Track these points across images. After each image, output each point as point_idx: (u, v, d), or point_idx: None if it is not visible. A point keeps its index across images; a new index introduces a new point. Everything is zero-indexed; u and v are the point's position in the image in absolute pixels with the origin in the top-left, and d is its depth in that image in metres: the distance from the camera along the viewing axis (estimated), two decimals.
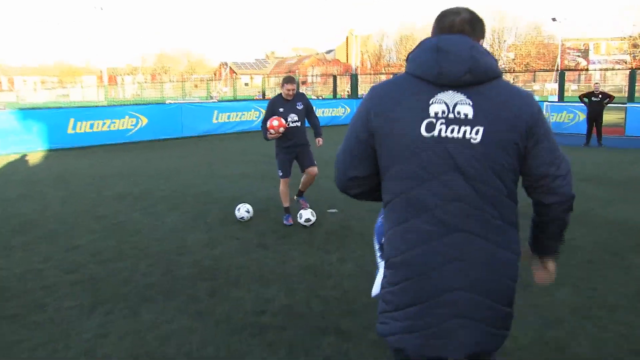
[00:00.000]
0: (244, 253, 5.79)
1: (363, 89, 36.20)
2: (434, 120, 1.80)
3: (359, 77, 33.13)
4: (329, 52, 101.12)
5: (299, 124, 6.88)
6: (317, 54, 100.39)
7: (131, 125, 17.68)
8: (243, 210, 7.07)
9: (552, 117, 20.85)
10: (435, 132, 1.79)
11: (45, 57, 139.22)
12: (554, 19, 56.82)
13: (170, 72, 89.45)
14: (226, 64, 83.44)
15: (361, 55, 70.36)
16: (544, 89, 55.44)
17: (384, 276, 1.93)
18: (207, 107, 20.92)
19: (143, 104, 20.90)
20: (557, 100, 22.81)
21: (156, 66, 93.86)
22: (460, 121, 1.79)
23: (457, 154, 1.79)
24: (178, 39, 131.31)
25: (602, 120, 16.55)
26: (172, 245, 6.08)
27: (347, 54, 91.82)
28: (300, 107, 6.91)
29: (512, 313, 1.91)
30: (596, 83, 18.43)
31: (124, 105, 22.86)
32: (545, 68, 62.13)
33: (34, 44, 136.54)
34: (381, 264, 2.53)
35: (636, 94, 22.99)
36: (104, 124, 16.97)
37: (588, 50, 70.16)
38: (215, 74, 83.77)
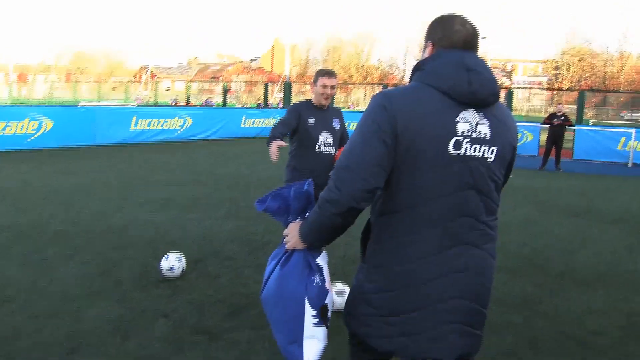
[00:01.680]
0: (178, 350, 3.72)
1: (296, 99, 34.45)
2: (461, 139, 1.84)
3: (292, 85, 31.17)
4: (253, 60, 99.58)
5: (332, 150, 4.65)
6: (242, 61, 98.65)
7: (32, 129, 15.07)
8: (173, 259, 5.00)
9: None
10: (462, 150, 1.84)
11: None
12: (484, 37, 57.16)
13: (87, 73, 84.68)
14: (147, 67, 79.76)
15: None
16: None
17: (371, 280, 1.93)
18: (125, 111, 18.38)
19: (49, 105, 18.13)
20: None
21: (72, 65, 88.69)
22: (481, 140, 1.87)
23: (476, 172, 1.88)
24: (97, 38, 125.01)
25: (562, 143, 15.52)
26: (60, 332, 3.92)
27: (272, 62, 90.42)
28: (337, 126, 4.71)
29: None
30: (559, 103, 17.47)
31: (26, 105, 19.83)
32: None
33: None
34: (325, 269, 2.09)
35: (533, 115, 22.45)
36: None
37: (514, 70, 71.78)
38: (135, 77, 79.97)
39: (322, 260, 2.07)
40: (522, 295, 5.00)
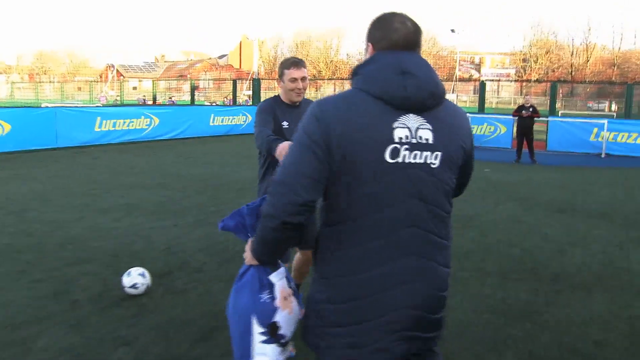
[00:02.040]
0: None
1: (265, 96, 33.85)
2: (399, 146, 1.78)
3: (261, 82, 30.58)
4: (221, 57, 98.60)
5: None
6: (210, 58, 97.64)
7: None
8: (135, 275, 4.51)
9: (472, 130, 19.53)
10: (400, 158, 1.78)
11: None
12: (452, 30, 57.30)
13: (51, 73, 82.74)
14: (113, 65, 78.15)
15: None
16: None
17: (319, 291, 1.89)
18: (88, 112, 17.62)
19: (6, 107, 17.31)
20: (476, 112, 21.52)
21: (34, 65, 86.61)
22: (422, 146, 1.80)
23: (419, 180, 1.81)
24: (60, 37, 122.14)
25: (532, 135, 15.29)
26: None
27: (240, 59, 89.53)
28: None
29: (444, 316, 1.97)
30: (527, 95, 17.26)
31: None
32: (443, 79, 62.78)
33: None
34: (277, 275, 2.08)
35: (491, 106, 22.41)
36: None
37: (481, 63, 72.16)
38: (101, 77, 78.34)
39: (276, 276, 2.06)
40: (517, 303, 4.63)
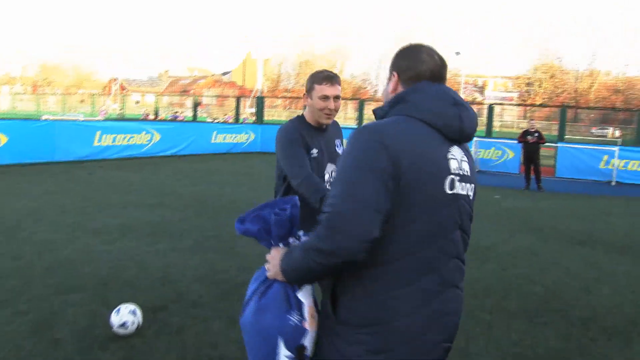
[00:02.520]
0: None
1: (268, 114, 33.45)
2: (454, 177, 1.75)
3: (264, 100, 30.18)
4: (225, 73, 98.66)
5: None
6: (213, 75, 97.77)
7: None
8: (125, 313, 4.05)
9: (479, 154, 19.19)
10: (456, 190, 1.75)
11: None
12: (458, 53, 57.19)
13: (55, 85, 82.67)
14: (116, 79, 78.11)
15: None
16: None
17: (358, 343, 1.69)
18: (88, 126, 17.24)
19: (4, 119, 16.92)
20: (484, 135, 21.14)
21: (38, 77, 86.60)
22: (466, 178, 1.79)
23: (463, 211, 1.79)
24: (66, 50, 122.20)
25: (539, 160, 14.86)
26: None
27: (244, 76, 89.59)
28: (341, 149, 3.31)
29: None
30: (532, 120, 16.83)
31: None
32: None
33: None
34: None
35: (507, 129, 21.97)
36: None
37: (484, 86, 72.10)
38: (104, 90, 78.28)
39: (304, 294, 1.86)
40: (549, 352, 4.17)
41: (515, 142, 18.75)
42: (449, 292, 1.76)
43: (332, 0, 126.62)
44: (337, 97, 3.10)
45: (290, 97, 65.41)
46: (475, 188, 1.86)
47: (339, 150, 3.27)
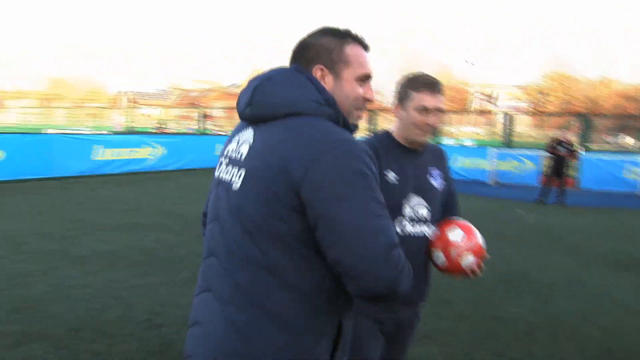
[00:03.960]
0: None
1: None
2: (223, 160, 1.65)
3: None
4: (233, 85, 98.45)
5: (426, 229, 2.40)
6: (222, 87, 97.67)
7: None
8: None
9: (497, 165, 18.30)
10: (220, 174, 1.64)
11: None
12: (467, 62, 56.38)
13: (64, 99, 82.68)
14: (125, 93, 77.88)
15: None
16: (459, 132, 54.64)
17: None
18: (87, 140, 16.49)
19: (3, 133, 16.21)
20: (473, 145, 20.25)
21: (48, 92, 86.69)
22: (236, 162, 1.57)
23: (220, 199, 1.59)
24: (76, 64, 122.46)
25: (566, 172, 13.93)
26: None
27: None
28: (437, 182, 2.52)
29: None
30: (564, 128, 15.89)
31: None
32: (457, 111, 61.87)
33: None
34: None
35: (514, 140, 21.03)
36: None
37: (495, 97, 71.17)
38: (114, 103, 78.18)
39: None
40: None
41: (534, 152, 17.96)
42: (200, 296, 1.59)
43: (332, 3, 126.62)
44: (438, 110, 2.38)
45: None
46: (252, 175, 1.48)
47: (435, 183, 2.49)
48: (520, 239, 8.53)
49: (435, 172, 2.50)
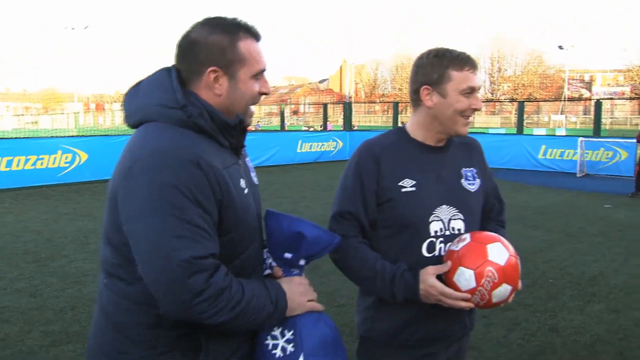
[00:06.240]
0: None
1: (357, 120, 32.50)
2: None
3: (352, 106, 29.26)
4: (322, 81, 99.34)
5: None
6: (310, 83, 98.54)
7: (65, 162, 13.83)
8: None
9: (587, 155, 17.19)
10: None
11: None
12: (560, 47, 53.71)
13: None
14: None
15: (355, 84, 68.11)
16: (551, 120, 52.24)
17: None
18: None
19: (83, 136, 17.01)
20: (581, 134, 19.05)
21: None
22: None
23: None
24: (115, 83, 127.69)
25: None
26: None
27: (340, 83, 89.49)
28: (473, 184, 2.05)
29: None
30: None
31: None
32: (549, 98, 59.12)
33: None
34: None
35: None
36: None
37: (592, 81, 67.48)
38: None
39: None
40: None
41: (628, 140, 16.72)
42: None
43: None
44: (475, 90, 1.95)
45: (384, 102, 64.63)
46: (110, 188, 1.47)
47: (470, 186, 2.03)
48: (600, 237, 7.90)
49: (469, 171, 2.05)
